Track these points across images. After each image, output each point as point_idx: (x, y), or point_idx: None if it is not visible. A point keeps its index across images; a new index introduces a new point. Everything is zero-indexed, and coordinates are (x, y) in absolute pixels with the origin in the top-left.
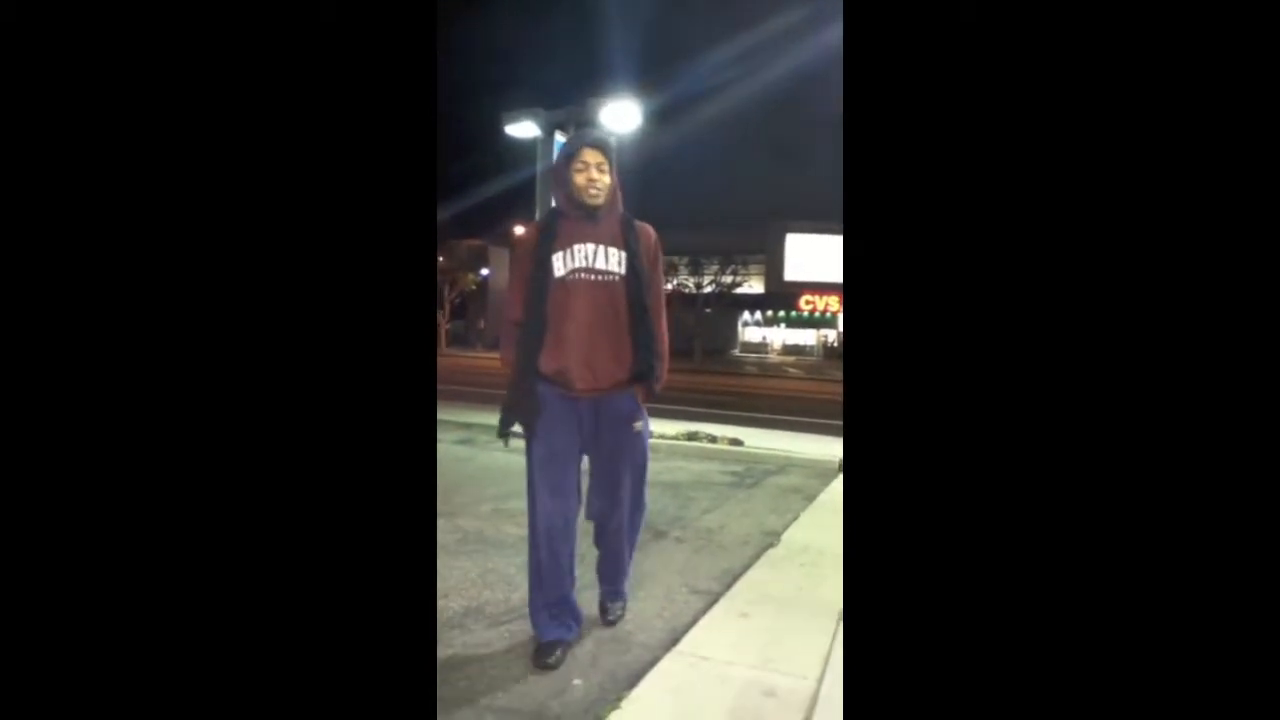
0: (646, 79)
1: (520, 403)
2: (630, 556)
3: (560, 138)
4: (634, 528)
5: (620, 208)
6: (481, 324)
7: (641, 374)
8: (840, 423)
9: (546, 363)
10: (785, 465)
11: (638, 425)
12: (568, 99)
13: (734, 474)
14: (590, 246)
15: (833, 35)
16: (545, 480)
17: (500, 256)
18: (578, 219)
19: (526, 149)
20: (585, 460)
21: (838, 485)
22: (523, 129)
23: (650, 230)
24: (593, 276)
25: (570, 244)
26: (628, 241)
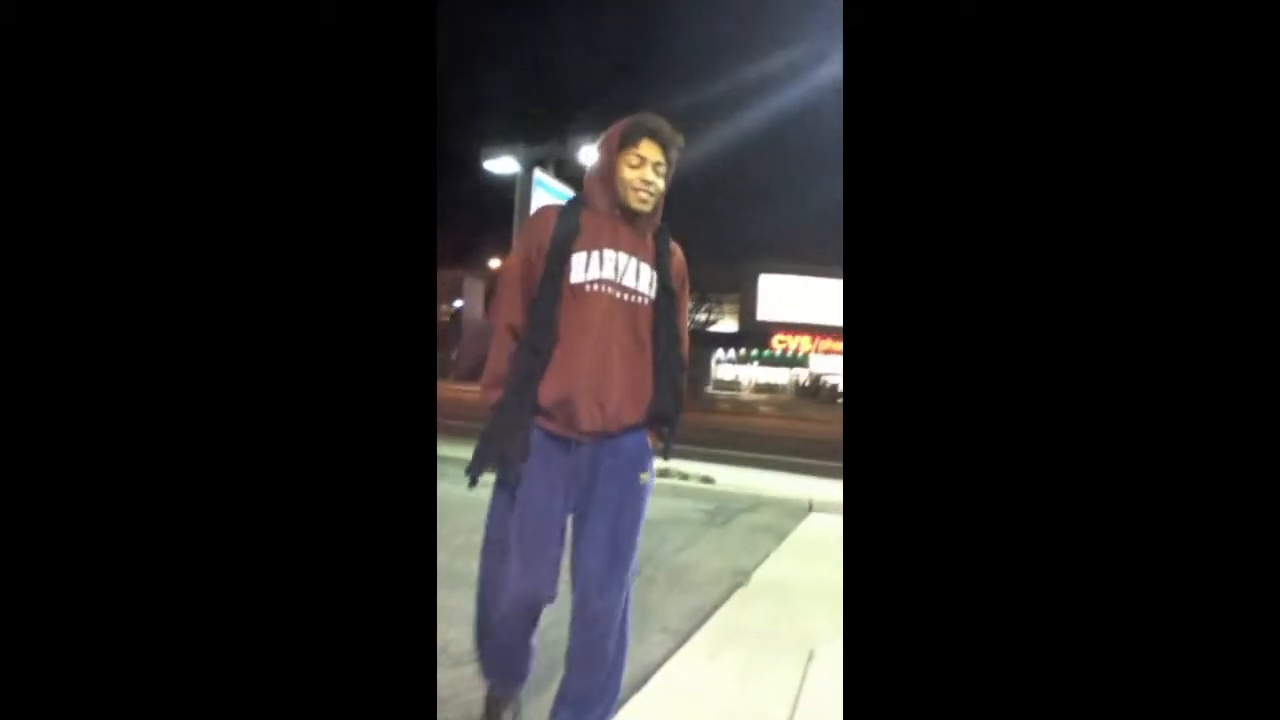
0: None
1: (506, 438)
2: (621, 657)
3: (540, 175)
4: (626, 614)
5: (659, 218)
6: (454, 355)
7: (662, 417)
8: (811, 461)
9: (546, 391)
10: (756, 503)
11: (645, 476)
12: (547, 136)
13: (705, 512)
14: (623, 256)
15: (813, 79)
16: (520, 548)
17: (476, 288)
18: (611, 219)
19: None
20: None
21: (808, 524)
22: (502, 164)
23: (680, 250)
24: (619, 294)
25: (599, 246)
26: (660, 258)
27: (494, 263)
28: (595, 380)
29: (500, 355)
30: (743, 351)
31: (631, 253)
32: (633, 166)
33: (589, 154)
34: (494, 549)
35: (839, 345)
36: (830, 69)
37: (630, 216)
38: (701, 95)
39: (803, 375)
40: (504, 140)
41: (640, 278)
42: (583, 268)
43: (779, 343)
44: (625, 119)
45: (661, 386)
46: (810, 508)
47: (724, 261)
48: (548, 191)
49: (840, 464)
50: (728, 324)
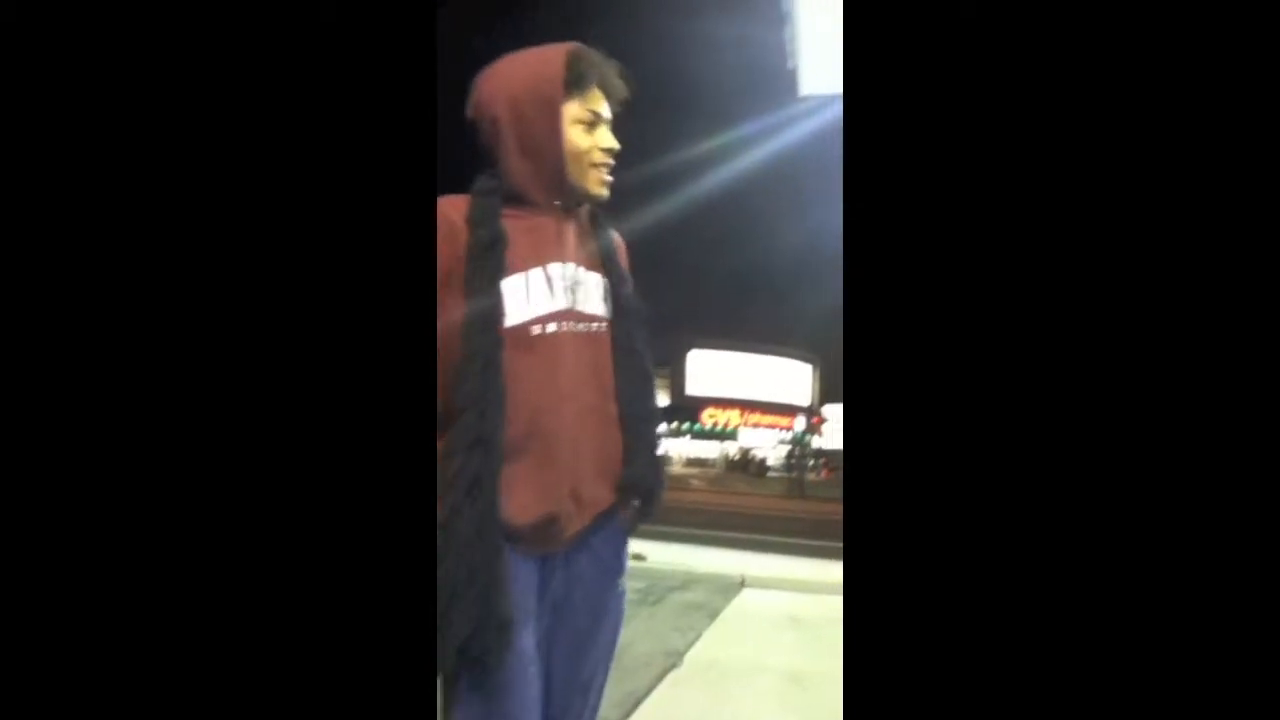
0: None
1: (467, 612)
2: None
3: None
4: None
5: None
6: None
7: (641, 489)
8: (743, 535)
9: (518, 505)
10: (688, 580)
11: (623, 583)
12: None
13: (637, 590)
14: (571, 269)
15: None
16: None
17: None
18: (552, 215)
19: None
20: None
21: (740, 601)
22: None
23: (619, 237)
24: (580, 325)
25: (541, 259)
26: (604, 256)
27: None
28: (574, 466)
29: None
30: (674, 425)
31: (580, 259)
32: (589, 128)
33: None
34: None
35: (767, 419)
36: (762, 151)
37: (576, 206)
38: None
39: (733, 449)
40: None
41: (593, 294)
42: (523, 298)
43: (709, 417)
44: (554, 47)
45: (637, 446)
46: (742, 583)
47: (653, 336)
48: None
49: (772, 538)
50: (658, 399)
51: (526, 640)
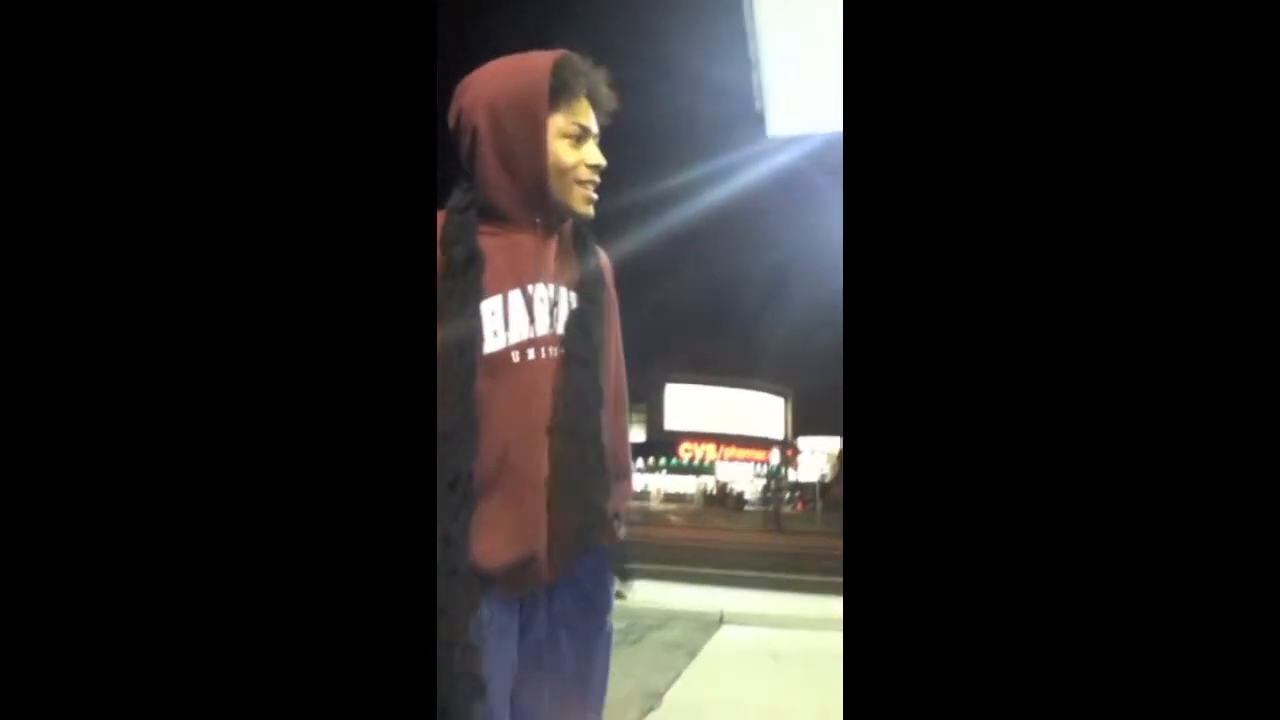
0: None
1: (454, 684)
2: None
3: None
4: None
5: None
6: None
7: (598, 521)
8: (721, 571)
9: (489, 547)
10: (667, 619)
11: (610, 619)
12: None
13: (618, 630)
14: (551, 290)
15: (709, 199)
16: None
17: None
18: (531, 232)
19: None
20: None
21: (719, 638)
22: None
23: (604, 253)
24: (556, 349)
25: (520, 281)
26: (588, 276)
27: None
28: (556, 508)
29: None
30: (651, 460)
31: (558, 279)
32: (573, 141)
33: None
34: None
35: (743, 452)
36: (741, 180)
37: (559, 224)
38: (612, 213)
39: (710, 483)
40: None
41: (561, 309)
42: (501, 323)
43: (685, 451)
44: (540, 54)
45: (594, 467)
46: (721, 619)
47: (630, 371)
48: None
49: (750, 573)
50: (635, 433)
51: (500, 692)
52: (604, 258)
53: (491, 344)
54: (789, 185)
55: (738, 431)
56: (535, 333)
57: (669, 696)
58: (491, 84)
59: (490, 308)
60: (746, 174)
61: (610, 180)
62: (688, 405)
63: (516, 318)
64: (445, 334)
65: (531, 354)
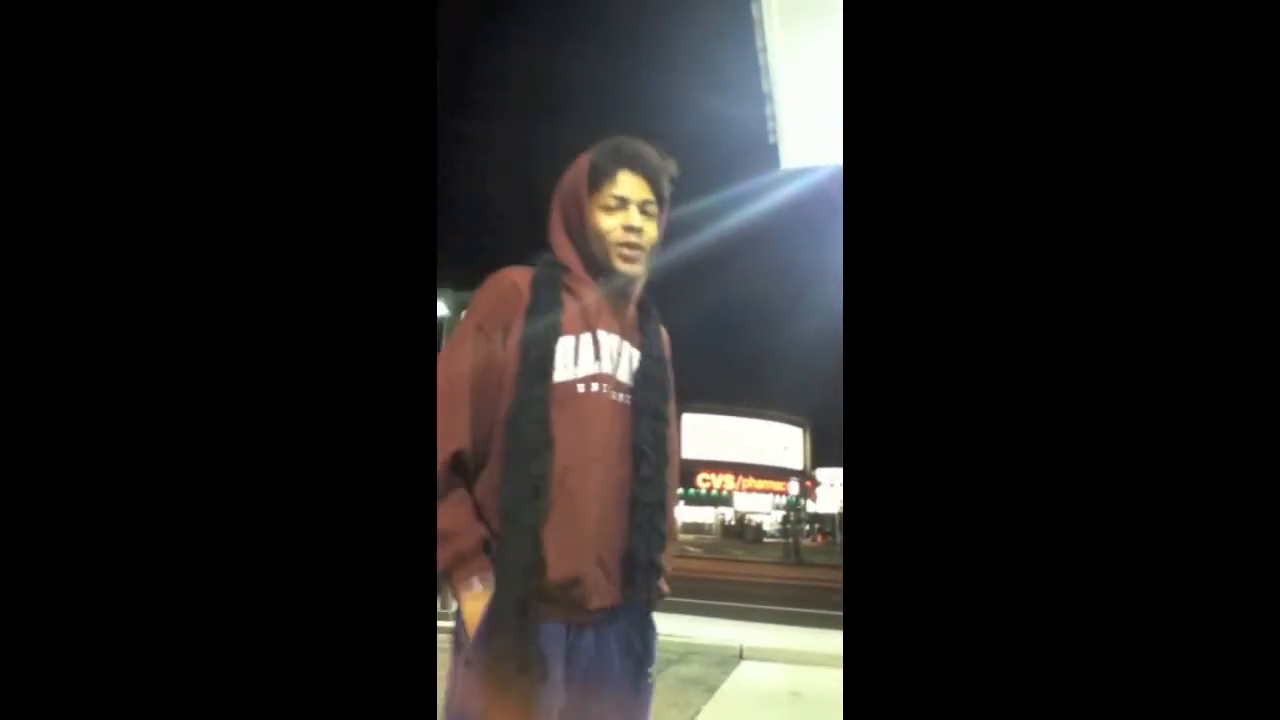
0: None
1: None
2: None
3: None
4: None
5: (644, 282)
6: None
7: (636, 561)
8: (740, 605)
9: (546, 561)
10: (686, 653)
11: (652, 673)
12: (475, 279)
13: None
14: (615, 340)
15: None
16: None
17: None
18: (592, 289)
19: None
20: None
21: (739, 674)
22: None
23: (666, 332)
24: (617, 395)
25: (589, 327)
26: (648, 339)
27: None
28: (603, 533)
29: (453, 512)
30: None
31: (624, 332)
32: (610, 211)
33: None
34: None
35: (761, 483)
36: (754, 210)
37: (616, 287)
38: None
39: (728, 514)
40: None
41: (629, 364)
42: (571, 358)
43: (703, 480)
44: (594, 147)
45: (647, 520)
46: (741, 655)
47: None
48: None
49: (770, 607)
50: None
51: (550, 701)
52: (665, 334)
53: (561, 374)
54: (803, 216)
55: (756, 461)
56: (600, 369)
57: None
58: (562, 178)
59: (564, 345)
60: (760, 204)
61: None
62: (705, 434)
63: (585, 356)
64: (526, 361)
65: (595, 387)
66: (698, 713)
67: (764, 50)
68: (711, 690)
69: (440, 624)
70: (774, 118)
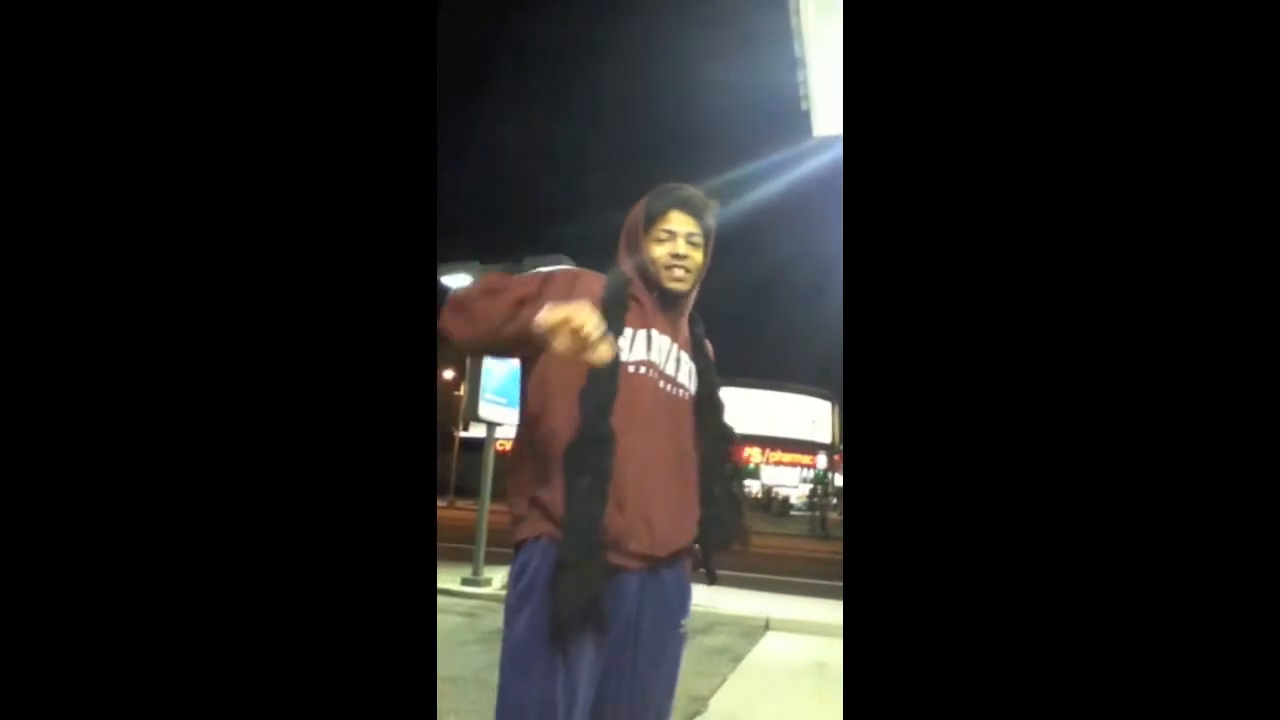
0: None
1: (580, 593)
2: None
3: None
4: None
5: (693, 300)
6: None
7: (716, 542)
8: (764, 576)
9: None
10: (712, 623)
11: (685, 624)
12: (503, 253)
13: None
14: (666, 341)
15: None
16: (526, 687)
17: None
18: (652, 300)
19: None
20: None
21: (764, 645)
22: (457, 280)
23: (709, 344)
24: (662, 383)
25: (645, 324)
26: (697, 349)
27: (447, 373)
28: (642, 489)
29: (541, 472)
30: None
31: (675, 339)
32: (661, 242)
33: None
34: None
35: (789, 457)
36: (786, 179)
37: (667, 300)
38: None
39: (755, 488)
40: (459, 256)
41: (681, 368)
42: (628, 346)
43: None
44: (649, 194)
45: (714, 503)
46: (767, 626)
47: None
48: None
49: (796, 579)
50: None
51: (578, 653)
52: (710, 346)
53: (621, 357)
54: (835, 185)
55: (783, 435)
56: (649, 358)
57: (713, 703)
58: (627, 216)
59: (624, 336)
60: (791, 173)
61: (654, 184)
62: (732, 408)
63: (638, 346)
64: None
65: (643, 370)
66: (723, 682)
67: (796, 13)
68: (737, 660)
69: (474, 590)
70: (806, 84)
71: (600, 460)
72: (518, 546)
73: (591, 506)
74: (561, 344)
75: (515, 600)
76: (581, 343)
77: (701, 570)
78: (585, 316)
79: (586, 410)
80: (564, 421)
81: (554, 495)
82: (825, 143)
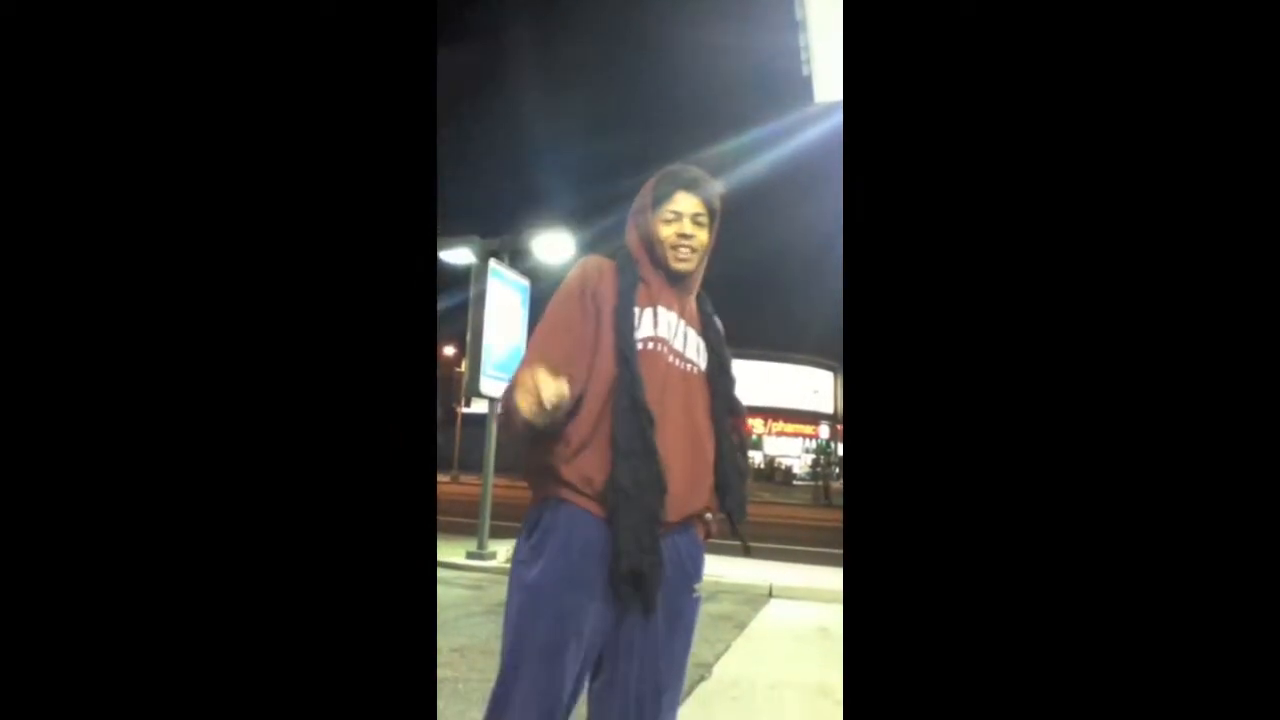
0: (579, 210)
1: (638, 544)
2: None
3: (495, 265)
4: None
5: (700, 279)
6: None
7: (730, 505)
8: (769, 545)
9: (593, 461)
10: (716, 591)
11: (698, 589)
12: (503, 227)
13: None
14: (673, 317)
15: (760, 164)
16: (534, 630)
17: None
18: (658, 279)
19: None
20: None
21: (768, 611)
22: (458, 255)
23: (719, 321)
24: (672, 358)
25: (654, 303)
26: (707, 327)
27: (448, 350)
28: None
29: (581, 436)
30: None
31: (683, 315)
32: (669, 223)
33: (543, 244)
34: (513, 650)
35: (791, 427)
36: (788, 146)
37: (675, 276)
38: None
39: (757, 458)
40: (459, 231)
41: (688, 344)
42: (637, 322)
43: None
44: (656, 174)
45: (726, 471)
46: (770, 593)
47: None
48: (504, 282)
49: (798, 547)
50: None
51: (574, 568)
52: (720, 323)
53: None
54: (837, 151)
55: (786, 406)
56: (656, 334)
57: (718, 669)
58: (636, 198)
59: (637, 314)
60: (793, 140)
61: (654, 154)
62: (735, 379)
63: (645, 323)
64: (620, 326)
65: (652, 345)
66: (728, 648)
67: None
68: (741, 626)
69: (479, 563)
70: (807, 48)
71: (644, 429)
72: (534, 504)
73: (639, 471)
74: (524, 404)
75: (527, 553)
76: (538, 405)
77: (710, 542)
78: (543, 382)
79: (623, 382)
80: (596, 389)
81: (570, 457)
82: (827, 109)
